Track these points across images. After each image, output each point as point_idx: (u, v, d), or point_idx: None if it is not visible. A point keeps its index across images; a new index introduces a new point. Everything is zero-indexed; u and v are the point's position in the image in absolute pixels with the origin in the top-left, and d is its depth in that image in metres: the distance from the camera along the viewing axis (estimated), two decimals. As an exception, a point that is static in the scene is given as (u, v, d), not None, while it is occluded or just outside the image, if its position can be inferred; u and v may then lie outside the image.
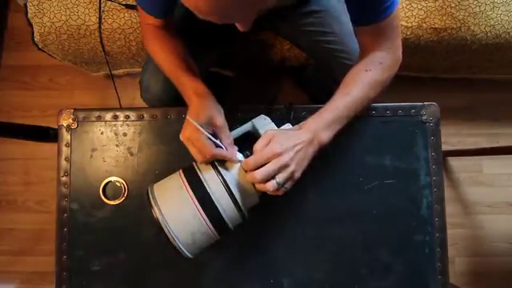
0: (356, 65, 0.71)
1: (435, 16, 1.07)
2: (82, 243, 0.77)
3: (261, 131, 0.67)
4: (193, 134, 0.62)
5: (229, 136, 0.65)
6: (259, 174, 0.58)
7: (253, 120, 0.69)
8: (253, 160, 0.59)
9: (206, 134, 0.62)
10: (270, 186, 0.58)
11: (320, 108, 0.66)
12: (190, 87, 0.68)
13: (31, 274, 1.42)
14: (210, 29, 0.89)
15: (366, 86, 0.68)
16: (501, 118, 1.48)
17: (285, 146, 0.59)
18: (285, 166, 0.58)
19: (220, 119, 0.65)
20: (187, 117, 0.64)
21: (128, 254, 0.77)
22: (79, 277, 0.76)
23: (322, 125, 0.63)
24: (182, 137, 0.64)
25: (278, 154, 0.58)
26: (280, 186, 0.58)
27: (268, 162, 0.58)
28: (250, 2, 0.49)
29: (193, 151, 0.62)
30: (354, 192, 0.78)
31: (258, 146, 0.60)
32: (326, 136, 0.64)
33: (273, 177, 0.58)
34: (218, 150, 0.62)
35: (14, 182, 1.46)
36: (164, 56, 0.75)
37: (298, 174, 0.60)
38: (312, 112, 0.65)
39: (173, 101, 0.86)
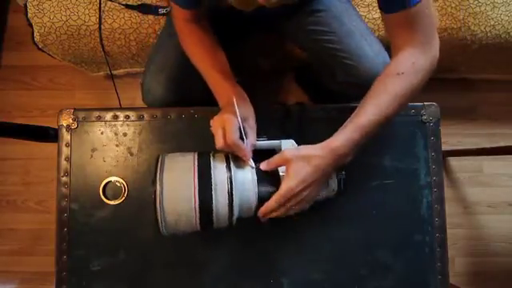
0: (387, 66, 0.65)
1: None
2: (81, 243, 0.77)
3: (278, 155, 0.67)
4: (230, 117, 0.64)
5: (254, 139, 0.66)
6: (270, 206, 0.61)
7: (282, 141, 0.70)
8: (270, 206, 0.62)
9: (240, 123, 0.64)
10: (283, 211, 0.63)
11: (346, 121, 0.63)
12: (233, 92, 0.70)
13: (31, 273, 1.42)
14: (213, 29, 0.90)
15: (398, 94, 0.62)
16: (501, 118, 1.48)
17: (301, 181, 0.60)
18: (304, 200, 0.62)
19: (253, 122, 0.67)
20: (234, 102, 0.65)
21: (128, 254, 0.77)
22: (79, 277, 0.76)
23: (350, 147, 0.61)
24: (216, 117, 0.66)
25: (294, 196, 0.60)
26: (293, 209, 0.63)
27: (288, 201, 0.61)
28: None
29: (217, 134, 0.63)
30: (354, 192, 0.78)
31: (272, 163, 0.63)
32: (349, 159, 0.62)
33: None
34: (239, 142, 0.63)
35: (13, 182, 1.45)
36: (200, 58, 0.76)
37: (312, 195, 0.63)
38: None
39: (175, 103, 0.86)
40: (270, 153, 0.67)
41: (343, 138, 0.61)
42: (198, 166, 0.61)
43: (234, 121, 0.63)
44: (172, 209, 0.59)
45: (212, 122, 0.66)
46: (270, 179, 0.63)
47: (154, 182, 0.60)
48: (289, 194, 0.60)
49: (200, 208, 0.60)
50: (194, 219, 0.60)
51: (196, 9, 0.75)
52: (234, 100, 0.65)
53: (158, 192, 0.59)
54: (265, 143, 0.70)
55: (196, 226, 0.61)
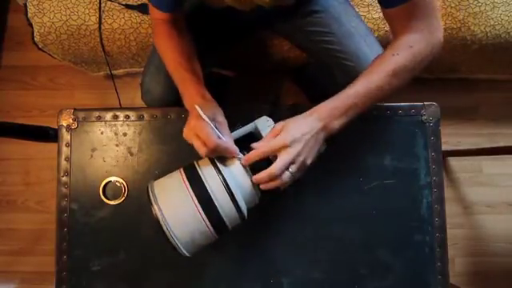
0: (385, 49, 0.67)
1: (435, 16, 1.07)
2: (81, 243, 0.77)
3: (263, 133, 0.67)
4: (198, 123, 0.62)
5: (229, 133, 0.65)
6: (277, 168, 0.58)
7: (255, 121, 0.69)
8: (261, 150, 0.60)
9: (211, 124, 0.62)
10: (286, 177, 0.59)
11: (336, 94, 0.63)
12: (196, 92, 0.69)
13: (31, 273, 1.42)
14: (211, 29, 0.90)
15: (389, 73, 0.62)
16: (501, 118, 1.48)
17: (294, 135, 0.59)
18: (296, 158, 0.59)
19: (222, 117, 0.66)
20: (195, 106, 0.64)
21: (128, 254, 0.77)
22: (79, 277, 0.76)
23: (335, 112, 0.61)
24: (186, 128, 0.64)
25: (287, 146, 0.59)
26: (293, 175, 0.60)
27: (276, 153, 0.59)
28: None
29: (196, 144, 0.62)
30: (354, 192, 0.78)
31: (267, 137, 0.62)
32: (337, 124, 0.62)
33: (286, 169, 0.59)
34: (221, 141, 0.61)
35: (13, 182, 1.45)
36: (171, 55, 0.75)
37: (308, 162, 0.61)
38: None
39: (174, 103, 0.86)
40: (249, 135, 0.67)
41: (328, 103, 0.62)
42: (188, 180, 0.61)
43: (205, 125, 0.62)
44: (182, 232, 0.59)
45: (184, 135, 0.65)
46: (263, 162, 0.63)
47: (154, 214, 0.59)
48: (282, 144, 0.59)
49: (209, 219, 0.59)
50: (207, 231, 0.60)
51: (173, 13, 0.75)
52: (197, 107, 0.63)
53: (161, 221, 0.58)
54: (241, 130, 0.69)
55: (213, 235, 0.61)
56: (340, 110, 0.61)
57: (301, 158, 0.59)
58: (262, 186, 0.61)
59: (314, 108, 0.63)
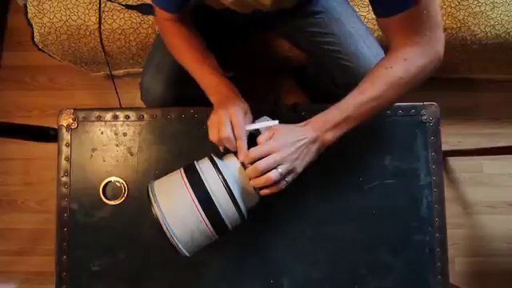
0: (378, 62, 0.65)
1: (435, 16, 1.07)
2: (81, 243, 0.77)
3: (263, 132, 0.67)
4: (236, 110, 0.64)
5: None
6: (261, 164, 0.58)
7: (256, 121, 0.69)
8: (254, 151, 0.59)
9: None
10: (273, 175, 0.58)
11: (329, 106, 0.63)
12: (229, 87, 0.70)
13: (31, 273, 1.42)
14: (212, 29, 0.90)
15: (383, 85, 0.61)
16: (501, 117, 1.48)
17: (286, 140, 0.59)
18: (285, 159, 0.59)
19: (239, 118, 0.65)
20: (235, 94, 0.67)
21: (128, 254, 0.77)
22: (79, 277, 0.76)
23: (328, 124, 0.61)
24: (221, 110, 0.64)
25: (279, 148, 0.59)
26: (282, 176, 0.59)
27: (269, 155, 0.59)
28: None
29: (225, 125, 0.62)
30: (354, 192, 0.78)
31: (260, 138, 0.61)
32: (330, 136, 0.62)
33: (275, 168, 0.59)
34: (244, 138, 0.62)
35: (13, 182, 1.45)
36: (186, 54, 0.75)
37: (299, 169, 0.60)
38: (316, 112, 0.64)
39: (174, 101, 0.87)
40: (250, 135, 0.67)
41: (321, 115, 0.63)
42: (188, 180, 0.61)
43: (240, 115, 0.63)
44: (182, 230, 0.59)
45: (216, 115, 0.64)
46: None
47: (154, 214, 0.59)
48: (272, 147, 0.59)
49: (208, 218, 0.59)
50: (207, 231, 0.60)
51: (179, 13, 0.74)
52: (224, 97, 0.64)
53: (161, 221, 0.59)
54: None
55: (213, 235, 0.62)
56: (333, 122, 0.61)
57: (289, 161, 0.59)
58: (251, 182, 0.61)
59: (308, 120, 0.63)
